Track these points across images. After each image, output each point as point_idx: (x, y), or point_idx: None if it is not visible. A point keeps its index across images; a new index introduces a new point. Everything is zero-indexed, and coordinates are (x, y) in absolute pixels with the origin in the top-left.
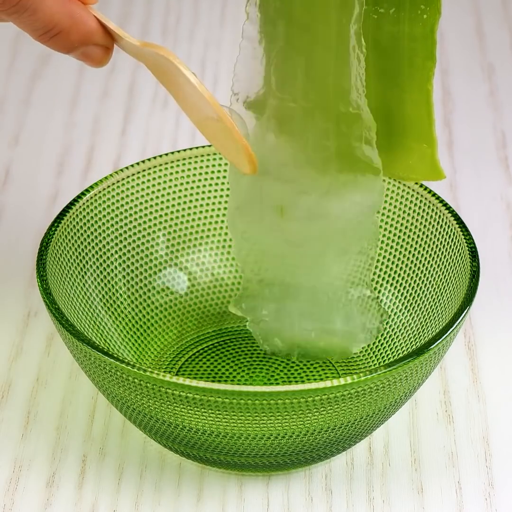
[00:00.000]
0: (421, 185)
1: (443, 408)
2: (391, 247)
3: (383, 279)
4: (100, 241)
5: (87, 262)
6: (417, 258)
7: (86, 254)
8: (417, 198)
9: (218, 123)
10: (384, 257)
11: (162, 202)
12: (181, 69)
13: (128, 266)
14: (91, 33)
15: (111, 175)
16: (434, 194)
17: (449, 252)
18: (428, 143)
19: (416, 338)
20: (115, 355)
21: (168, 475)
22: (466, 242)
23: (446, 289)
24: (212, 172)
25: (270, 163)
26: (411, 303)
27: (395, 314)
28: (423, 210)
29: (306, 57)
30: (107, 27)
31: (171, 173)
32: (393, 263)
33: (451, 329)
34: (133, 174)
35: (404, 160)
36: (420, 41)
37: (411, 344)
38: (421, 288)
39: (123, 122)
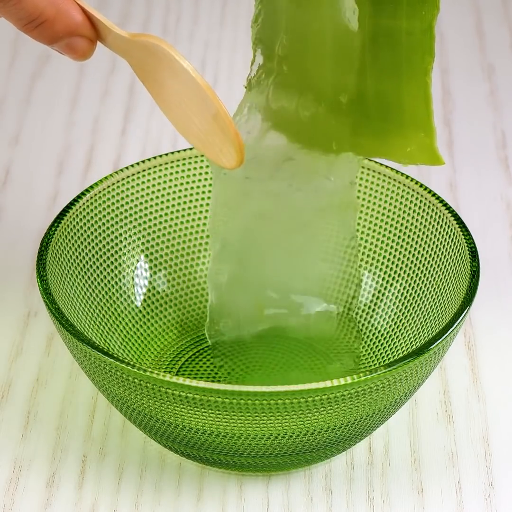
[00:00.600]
0: (421, 185)
1: (443, 408)
2: (391, 247)
3: (383, 279)
4: (100, 241)
5: (87, 262)
6: (417, 258)
7: (86, 254)
8: (417, 198)
9: (207, 111)
10: (384, 257)
11: (162, 202)
12: (172, 55)
13: (128, 266)
14: (76, 24)
15: (111, 175)
16: (434, 194)
17: (449, 252)
18: (426, 133)
19: (416, 338)
20: (115, 355)
21: (168, 475)
22: (466, 242)
23: (446, 289)
24: (212, 172)
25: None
26: (411, 303)
27: (395, 314)
28: (423, 210)
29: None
30: (93, 19)
31: (171, 173)
32: (393, 263)
33: (451, 329)
34: (133, 174)
35: (402, 148)
36: (418, 36)
37: (411, 344)
38: (421, 288)
39: (123, 122)
